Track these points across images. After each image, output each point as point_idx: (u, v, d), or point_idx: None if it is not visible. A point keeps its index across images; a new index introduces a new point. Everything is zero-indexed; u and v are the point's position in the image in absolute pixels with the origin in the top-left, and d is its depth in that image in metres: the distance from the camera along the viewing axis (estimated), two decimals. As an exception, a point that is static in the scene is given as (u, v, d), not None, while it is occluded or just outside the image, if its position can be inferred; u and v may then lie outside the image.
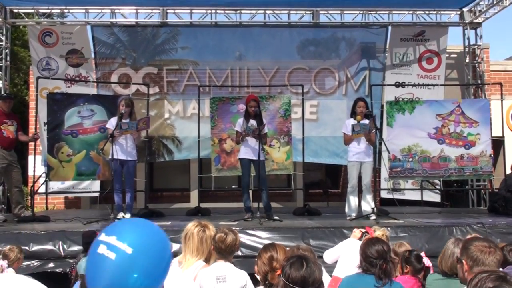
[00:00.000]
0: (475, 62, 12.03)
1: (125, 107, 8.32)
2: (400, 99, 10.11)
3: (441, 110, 9.43)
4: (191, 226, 4.32)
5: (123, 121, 8.25)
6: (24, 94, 15.65)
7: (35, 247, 6.56)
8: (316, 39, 12.04)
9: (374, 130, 8.02)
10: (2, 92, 10.95)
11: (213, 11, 11.58)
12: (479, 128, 9.38)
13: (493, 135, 9.71)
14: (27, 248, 6.37)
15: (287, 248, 4.14)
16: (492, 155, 9.57)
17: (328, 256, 5.30)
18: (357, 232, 5.39)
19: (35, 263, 6.50)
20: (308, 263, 2.62)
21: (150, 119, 8.86)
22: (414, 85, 11.23)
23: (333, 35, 12.03)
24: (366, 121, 8.10)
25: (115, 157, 8.11)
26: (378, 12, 11.74)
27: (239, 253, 5.99)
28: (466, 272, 3.11)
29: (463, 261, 3.13)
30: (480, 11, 11.58)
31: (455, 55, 12.67)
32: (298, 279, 2.58)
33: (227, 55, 11.81)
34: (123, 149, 8.26)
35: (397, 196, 9.88)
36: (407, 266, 4.36)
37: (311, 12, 11.63)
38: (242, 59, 11.86)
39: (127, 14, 11.61)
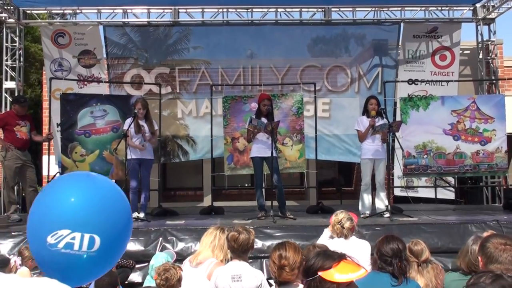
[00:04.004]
0: (488, 58, 11.95)
1: (142, 108, 8.36)
2: (414, 96, 10.04)
3: (456, 106, 9.35)
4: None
5: (141, 123, 8.32)
6: (38, 94, 15.75)
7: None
8: (328, 37, 11.96)
9: (387, 128, 7.96)
10: (16, 93, 11.06)
11: (225, 10, 11.60)
12: (494, 124, 9.29)
13: (507, 131, 9.62)
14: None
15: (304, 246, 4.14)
16: (506, 151, 9.50)
17: None
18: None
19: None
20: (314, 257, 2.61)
21: (156, 138, 8.85)
22: (427, 82, 11.15)
23: (345, 32, 11.95)
24: (380, 121, 8.06)
25: (133, 156, 8.15)
26: (390, 9, 11.70)
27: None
28: (482, 269, 3.09)
29: (479, 258, 3.12)
30: (493, 6, 11.50)
31: (468, 51, 12.58)
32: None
33: (239, 54, 11.78)
34: (141, 149, 8.32)
35: (410, 194, 9.82)
36: None
37: (323, 9, 11.61)
38: (254, 58, 11.83)
39: (139, 14, 11.65)
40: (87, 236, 1.87)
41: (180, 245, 6.60)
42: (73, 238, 1.87)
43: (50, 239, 1.86)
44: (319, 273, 2.40)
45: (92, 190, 2.03)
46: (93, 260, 1.92)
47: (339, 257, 2.46)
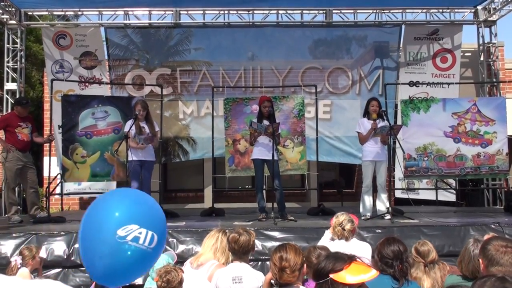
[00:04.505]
0: (489, 60, 11.95)
1: (142, 110, 8.36)
2: (415, 98, 10.05)
3: (457, 108, 9.36)
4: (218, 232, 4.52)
5: (142, 124, 8.33)
6: (40, 95, 15.74)
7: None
8: (329, 39, 11.99)
9: (388, 131, 7.96)
10: (18, 94, 11.06)
11: (226, 12, 11.61)
12: (495, 127, 9.29)
13: (508, 134, 9.61)
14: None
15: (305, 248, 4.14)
16: (507, 154, 9.49)
17: None
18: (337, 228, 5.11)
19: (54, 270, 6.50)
20: (323, 260, 2.61)
21: (157, 140, 8.80)
22: (428, 84, 11.15)
23: (346, 34, 11.97)
24: (381, 123, 8.06)
25: (135, 158, 8.16)
26: (391, 11, 11.71)
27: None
28: (483, 271, 3.10)
29: (480, 260, 3.12)
30: (494, 9, 11.50)
31: (470, 54, 12.58)
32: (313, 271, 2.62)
33: (240, 55, 11.80)
34: (142, 150, 8.31)
35: (411, 196, 9.80)
36: None
37: (324, 11, 11.62)
38: (255, 59, 11.86)
39: (140, 16, 11.66)
40: (150, 233, 2.11)
41: (181, 247, 6.60)
42: (140, 233, 2.09)
43: (121, 232, 2.06)
44: (331, 275, 2.42)
45: (149, 196, 2.26)
46: (149, 255, 2.16)
47: (350, 259, 2.48)
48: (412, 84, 10.63)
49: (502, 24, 37.50)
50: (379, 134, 8.02)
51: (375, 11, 11.68)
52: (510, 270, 2.99)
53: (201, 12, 11.68)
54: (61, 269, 6.47)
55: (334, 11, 11.62)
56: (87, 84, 11.29)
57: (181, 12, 11.57)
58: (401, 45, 11.72)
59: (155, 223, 2.19)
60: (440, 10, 11.74)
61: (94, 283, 4.44)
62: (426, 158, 9.21)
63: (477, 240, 3.88)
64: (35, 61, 15.86)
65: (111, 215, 2.11)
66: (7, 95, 11.19)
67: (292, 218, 8.01)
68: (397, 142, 8.13)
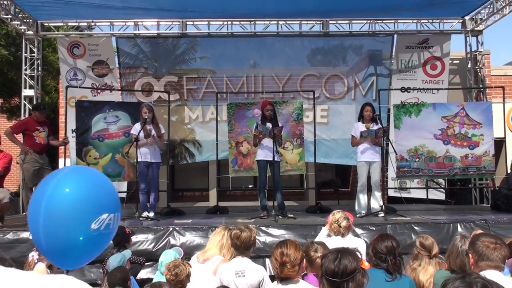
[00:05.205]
0: (476, 67, 11.93)
1: (148, 112, 8.34)
2: (406, 103, 10.03)
3: (446, 112, 9.34)
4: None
5: (149, 127, 8.30)
6: (55, 101, 15.78)
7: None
8: (326, 48, 12.01)
9: (381, 134, 7.95)
10: (35, 100, 11.07)
11: (229, 22, 11.61)
12: (482, 129, 9.28)
13: (494, 136, 9.59)
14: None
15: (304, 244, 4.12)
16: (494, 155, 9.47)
17: None
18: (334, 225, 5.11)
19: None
20: (341, 258, 2.62)
21: (163, 141, 8.75)
22: (419, 89, 11.16)
23: (342, 43, 11.98)
24: (375, 127, 8.06)
25: (142, 159, 8.15)
26: (384, 21, 11.70)
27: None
28: (472, 266, 3.09)
29: (470, 255, 3.12)
30: (481, 19, 11.48)
31: (458, 61, 12.57)
32: (330, 270, 2.59)
33: (242, 63, 11.82)
34: (149, 152, 8.29)
35: (403, 194, 9.78)
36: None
37: (321, 22, 11.61)
38: (256, 67, 11.87)
39: (149, 26, 11.67)
40: (117, 215, 2.05)
41: (187, 243, 6.59)
42: (110, 219, 2.10)
43: (94, 225, 2.04)
44: (362, 266, 2.62)
45: (104, 176, 2.23)
46: (113, 232, 2.18)
47: (354, 251, 2.69)
48: (403, 90, 10.63)
49: (488, 33, 37.47)
50: (367, 138, 8.01)
51: (369, 21, 11.67)
52: (499, 265, 3.01)
53: (206, 22, 11.68)
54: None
55: (330, 22, 11.61)
56: (99, 90, 11.30)
57: (187, 23, 11.58)
58: (393, 53, 11.71)
59: (116, 204, 2.19)
60: (430, 21, 11.73)
61: (105, 278, 4.43)
62: (417, 159, 9.19)
63: (464, 236, 3.88)
64: (51, 70, 15.90)
65: (81, 208, 2.08)
66: (25, 100, 11.21)
67: (292, 215, 7.99)
68: (390, 144, 8.12)
